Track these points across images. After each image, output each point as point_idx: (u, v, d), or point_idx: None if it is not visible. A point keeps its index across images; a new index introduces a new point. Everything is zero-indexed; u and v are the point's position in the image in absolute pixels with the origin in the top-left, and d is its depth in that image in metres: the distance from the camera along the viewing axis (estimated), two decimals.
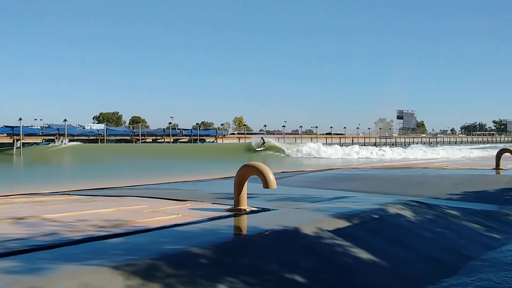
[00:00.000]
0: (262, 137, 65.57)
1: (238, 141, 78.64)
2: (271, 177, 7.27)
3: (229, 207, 7.79)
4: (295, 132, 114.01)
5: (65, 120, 57.02)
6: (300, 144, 65.46)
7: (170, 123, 71.70)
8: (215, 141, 79.50)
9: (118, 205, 8.65)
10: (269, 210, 7.65)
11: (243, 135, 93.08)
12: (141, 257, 4.40)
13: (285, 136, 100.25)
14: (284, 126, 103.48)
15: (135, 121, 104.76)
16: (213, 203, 8.56)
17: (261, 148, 58.63)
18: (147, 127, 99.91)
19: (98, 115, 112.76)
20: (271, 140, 66.03)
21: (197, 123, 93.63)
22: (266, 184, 7.27)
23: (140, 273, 4.04)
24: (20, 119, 52.58)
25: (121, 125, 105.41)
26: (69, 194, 11.59)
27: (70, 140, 61.83)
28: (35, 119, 62.85)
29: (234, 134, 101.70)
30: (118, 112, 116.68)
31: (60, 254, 4.60)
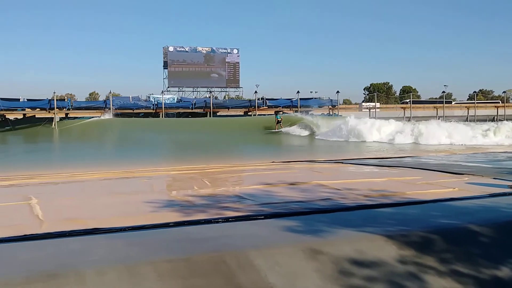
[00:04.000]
0: (276, 112, 45.83)
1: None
2: None
3: None
4: None
5: (337, 92, 58.68)
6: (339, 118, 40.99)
7: (443, 91, 67.99)
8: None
9: (390, 175, 8.68)
10: None
11: None
12: (414, 228, 4.31)
13: None
14: None
15: (406, 91, 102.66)
16: (494, 178, 7.85)
17: (277, 130, 41.17)
18: (418, 97, 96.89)
19: (369, 86, 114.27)
20: (298, 115, 45.73)
21: (474, 92, 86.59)
22: None
23: (413, 245, 3.98)
24: (298, 91, 56.69)
25: (392, 95, 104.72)
26: (342, 163, 12.13)
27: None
28: (311, 92, 66.59)
29: None
30: (388, 83, 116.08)
31: (335, 218, 4.85)
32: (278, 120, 42.49)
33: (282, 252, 3.61)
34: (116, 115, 47.10)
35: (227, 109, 54.02)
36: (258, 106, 52.11)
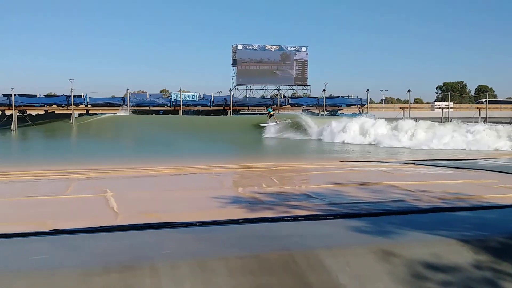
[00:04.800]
0: (268, 107, 44.49)
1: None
2: None
3: None
4: None
5: (408, 90, 57.12)
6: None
7: None
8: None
9: (465, 177, 8.34)
10: None
11: None
12: (492, 234, 4.11)
13: None
14: None
15: (482, 90, 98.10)
16: None
17: (268, 124, 38.14)
18: (495, 96, 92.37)
19: (442, 84, 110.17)
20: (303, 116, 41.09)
21: None
22: None
23: (491, 250, 3.79)
24: (368, 90, 55.69)
25: (466, 95, 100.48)
26: (414, 163, 11.79)
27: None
28: (381, 90, 65.20)
29: None
30: (463, 82, 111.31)
31: (408, 220, 4.71)
32: (270, 114, 41.55)
33: (352, 253, 3.54)
34: (134, 112, 48.29)
35: (247, 107, 54.10)
36: (280, 105, 51.95)
